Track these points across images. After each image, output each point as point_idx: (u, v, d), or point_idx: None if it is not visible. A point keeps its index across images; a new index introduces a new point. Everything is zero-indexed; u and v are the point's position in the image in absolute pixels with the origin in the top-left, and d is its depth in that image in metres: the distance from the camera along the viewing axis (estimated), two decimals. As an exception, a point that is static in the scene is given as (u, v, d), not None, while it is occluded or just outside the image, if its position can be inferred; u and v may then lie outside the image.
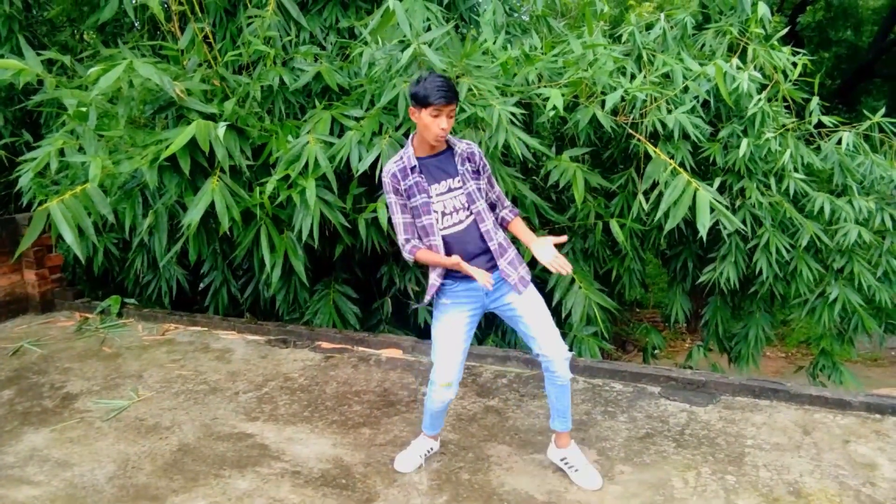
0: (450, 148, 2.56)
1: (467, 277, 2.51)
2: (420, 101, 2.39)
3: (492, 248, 2.56)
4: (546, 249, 2.52)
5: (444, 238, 2.54)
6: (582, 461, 2.70)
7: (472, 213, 2.54)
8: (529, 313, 2.57)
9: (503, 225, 2.74)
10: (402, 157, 2.53)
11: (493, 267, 2.57)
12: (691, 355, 5.41)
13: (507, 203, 2.74)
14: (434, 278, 2.59)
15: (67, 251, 5.19)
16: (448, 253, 2.53)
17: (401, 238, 2.59)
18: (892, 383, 7.60)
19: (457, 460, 2.89)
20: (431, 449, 2.87)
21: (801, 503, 2.54)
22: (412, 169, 2.50)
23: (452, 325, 2.60)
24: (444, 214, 2.53)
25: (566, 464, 2.71)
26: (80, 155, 3.96)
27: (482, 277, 2.39)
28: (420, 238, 2.57)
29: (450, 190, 2.52)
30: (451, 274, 2.57)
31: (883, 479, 2.69)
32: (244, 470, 2.85)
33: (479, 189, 2.56)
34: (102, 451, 3.02)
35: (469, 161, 2.56)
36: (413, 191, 2.51)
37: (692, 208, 3.65)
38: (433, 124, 2.39)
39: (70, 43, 6.26)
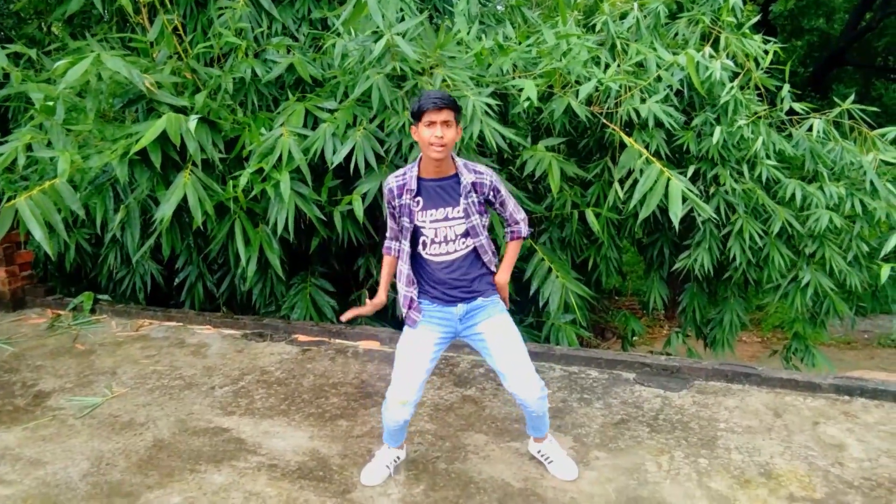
0: (457, 175, 2.44)
1: (443, 301, 2.49)
2: (415, 114, 2.33)
3: (485, 260, 2.53)
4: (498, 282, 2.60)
5: (430, 263, 2.49)
6: (558, 453, 2.71)
7: (468, 247, 2.48)
8: (501, 348, 2.49)
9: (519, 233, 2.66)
10: (404, 174, 2.45)
11: (470, 297, 2.50)
12: (669, 342, 5.47)
13: (516, 222, 2.61)
14: (403, 289, 2.55)
15: (38, 248, 5.11)
16: (435, 277, 2.49)
17: (386, 236, 2.62)
18: (865, 366, 7.75)
19: (434, 450, 2.90)
20: (398, 458, 2.75)
21: (772, 484, 2.58)
22: (409, 191, 2.43)
23: (419, 345, 2.52)
24: (433, 242, 2.46)
25: (542, 456, 2.72)
26: (49, 150, 3.90)
27: (368, 307, 2.60)
28: (400, 241, 2.56)
29: (447, 218, 2.43)
30: (425, 292, 2.53)
31: (851, 459, 2.74)
32: (220, 464, 2.84)
33: (482, 224, 2.48)
34: (76, 449, 2.99)
35: (476, 192, 2.44)
36: (403, 211, 2.45)
37: (666, 197, 3.68)
38: (429, 135, 2.30)
39: (37, 36, 6.14)
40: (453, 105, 2.33)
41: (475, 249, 2.50)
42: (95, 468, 2.83)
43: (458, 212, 2.44)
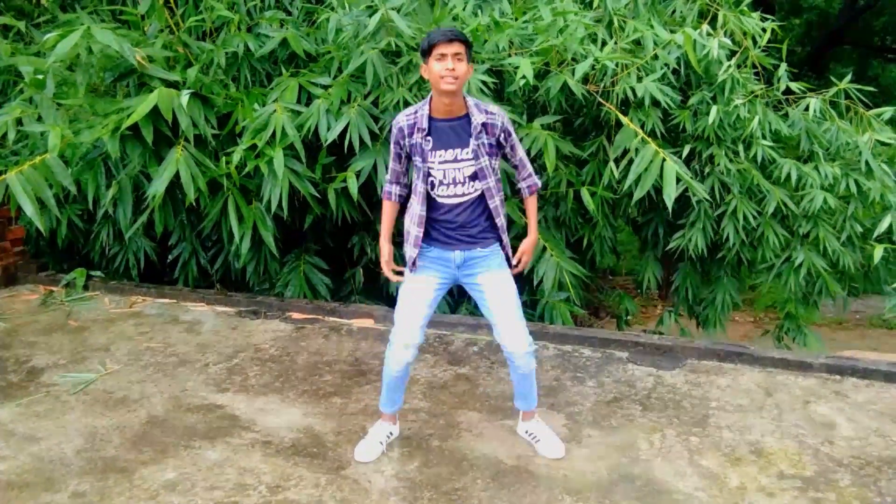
0: (468, 115, 2.40)
1: (442, 244, 2.50)
2: (425, 51, 2.30)
3: (498, 225, 2.52)
4: (524, 247, 2.62)
5: (439, 203, 2.48)
6: (545, 432, 2.70)
7: (476, 191, 2.45)
8: (496, 300, 2.52)
9: (520, 195, 2.65)
10: (415, 113, 2.42)
11: (469, 245, 2.50)
12: (662, 321, 5.49)
13: (528, 172, 2.59)
14: (410, 250, 2.54)
15: (30, 223, 5.07)
16: (437, 218, 2.48)
17: (386, 179, 2.62)
18: (857, 346, 7.80)
19: (427, 427, 2.91)
20: (391, 434, 2.77)
21: (762, 462, 2.61)
22: (420, 130, 2.40)
23: (420, 289, 2.56)
24: (441, 183, 2.44)
25: (530, 435, 2.72)
26: (39, 124, 3.85)
27: (387, 271, 2.59)
28: (401, 185, 2.58)
29: (456, 160, 2.41)
30: (426, 238, 2.52)
31: (841, 438, 2.77)
32: (214, 441, 2.85)
33: (491, 167, 2.44)
34: (70, 425, 2.99)
35: (487, 133, 2.41)
36: (415, 150, 2.43)
37: (660, 178, 3.67)
38: (440, 68, 2.27)
39: (26, 8, 6.02)
40: (464, 39, 2.31)
41: (483, 196, 2.47)
42: (90, 444, 2.83)
43: (468, 153, 2.41)
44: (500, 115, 2.43)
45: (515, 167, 2.59)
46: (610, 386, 3.26)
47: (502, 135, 2.44)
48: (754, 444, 2.73)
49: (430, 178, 2.45)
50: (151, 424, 2.99)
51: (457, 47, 2.27)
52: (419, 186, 2.48)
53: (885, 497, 2.39)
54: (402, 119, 2.44)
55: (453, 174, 2.42)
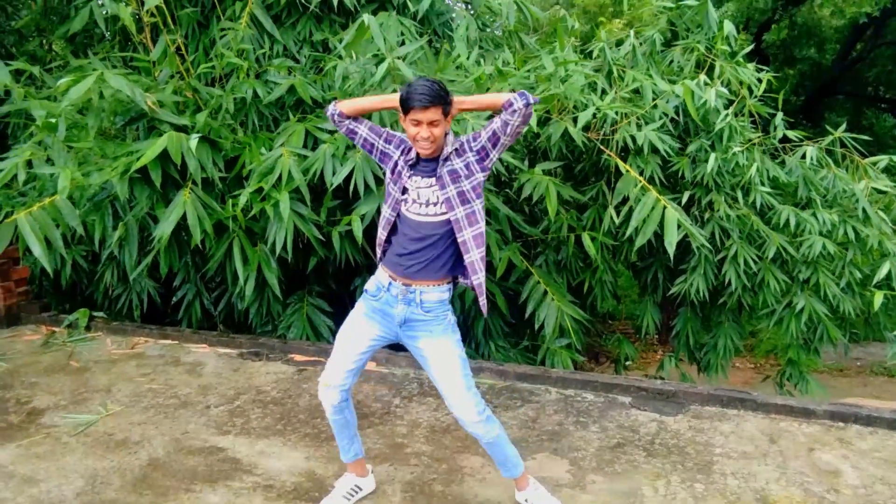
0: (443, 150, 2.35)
1: (389, 298, 2.40)
2: (403, 106, 2.25)
3: (466, 262, 2.36)
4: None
5: (404, 220, 2.40)
6: (546, 499, 2.57)
7: (445, 215, 2.34)
8: (441, 371, 2.40)
9: (505, 107, 2.29)
10: (411, 148, 2.40)
11: (417, 275, 2.37)
12: (662, 366, 5.48)
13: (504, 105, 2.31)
14: (379, 252, 2.50)
15: (34, 263, 5.10)
16: (398, 237, 2.41)
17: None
18: (858, 393, 7.77)
19: (430, 472, 2.89)
20: (357, 487, 2.67)
21: (768, 510, 2.59)
22: (408, 160, 2.38)
23: (357, 333, 2.48)
24: (414, 202, 2.37)
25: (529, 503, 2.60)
26: (49, 166, 3.92)
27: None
28: (358, 121, 2.50)
29: (429, 186, 2.35)
30: (376, 285, 2.46)
31: (846, 486, 2.75)
32: (215, 484, 2.82)
33: (461, 196, 2.32)
34: (70, 467, 2.97)
35: (459, 156, 2.33)
36: (394, 169, 2.40)
37: (661, 225, 3.73)
38: (414, 133, 2.24)
39: (39, 53, 6.19)
40: (441, 100, 2.21)
41: (451, 230, 2.34)
42: (90, 487, 2.81)
43: (434, 181, 2.34)
44: (462, 136, 2.40)
45: (496, 128, 2.31)
46: (613, 431, 3.25)
47: (469, 144, 2.35)
48: (759, 491, 2.71)
49: (405, 195, 2.38)
50: (152, 467, 2.96)
51: (432, 114, 2.20)
52: (386, 213, 2.44)
53: (892, 546, 2.37)
54: (407, 140, 2.43)
55: (427, 196, 2.36)
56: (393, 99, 2.41)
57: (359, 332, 2.48)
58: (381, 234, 2.49)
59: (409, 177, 2.37)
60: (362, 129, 2.50)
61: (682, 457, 2.99)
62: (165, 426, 3.36)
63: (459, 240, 2.35)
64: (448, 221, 2.34)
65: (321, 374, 2.52)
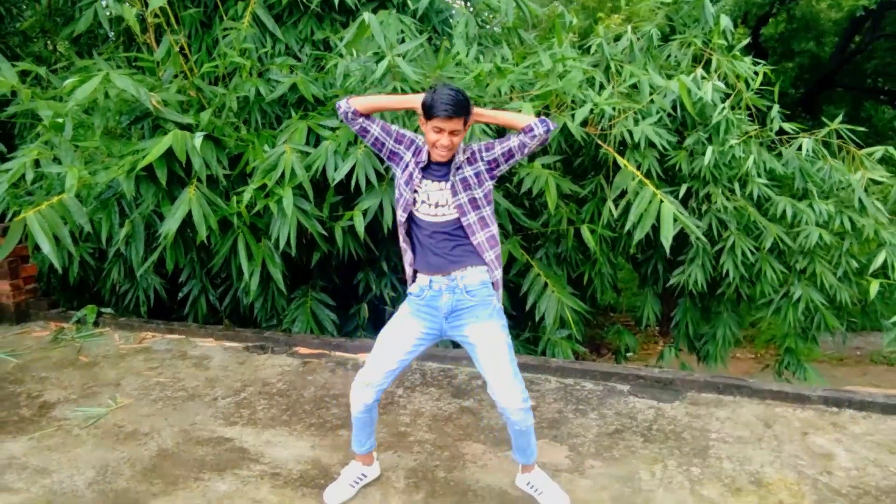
0: (454, 157, 2.42)
1: (433, 294, 2.46)
2: (426, 111, 2.30)
3: (486, 261, 2.46)
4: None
5: (420, 223, 2.45)
6: (546, 483, 2.62)
7: (455, 216, 2.42)
8: (487, 355, 2.42)
9: (525, 130, 2.41)
10: (423, 147, 2.45)
11: (454, 261, 2.43)
12: (662, 356, 5.55)
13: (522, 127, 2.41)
14: (408, 269, 2.57)
15: (42, 261, 5.18)
16: (419, 241, 2.47)
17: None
18: (857, 382, 7.83)
19: (433, 459, 2.97)
20: (363, 476, 2.73)
21: (762, 492, 2.66)
22: (419, 162, 2.43)
23: (401, 333, 2.53)
24: (424, 203, 2.43)
25: (531, 487, 2.65)
26: (56, 165, 3.99)
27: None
28: (371, 119, 2.52)
29: (440, 190, 2.42)
30: (416, 261, 2.51)
31: (839, 469, 2.82)
32: (224, 473, 2.90)
33: (472, 203, 2.41)
34: (81, 458, 3.05)
35: (470, 165, 2.41)
36: (406, 171, 2.45)
37: (658, 219, 3.79)
38: (435, 139, 2.31)
39: (44, 54, 6.26)
40: (465, 111, 2.30)
41: (471, 226, 2.43)
42: (101, 477, 2.89)
43: (447, 186, 2.41)
44: (473, 144, 2.47)
45: (512, 147, 2.42)
46: (611, 418, 3.32)
47: (481, 154, 2.43)
48: (754, 474, 2.78)
49: (415, 196, 2.44)
50: (162, 457, 3.04)
51: (455, 123, 2.27)
52: (399, 215, 2.50)
53: (882, 525, 2.43)
54: (419, 142, 2.49)
55: (436, 198, 2.43)
56: (411, 100, 2.48)
57: (404, 331, 2.53)
58: (403, 244, 2.54)
59: (421, 180, 2.44)
60: (374, 129, 2.51)
61: (678, 442, 3.06)
62: (174, 418, 3.43)
63: (474, 242, 2.45)
64: (458, 220, 2.43)
65: (358, 373, 2.56)
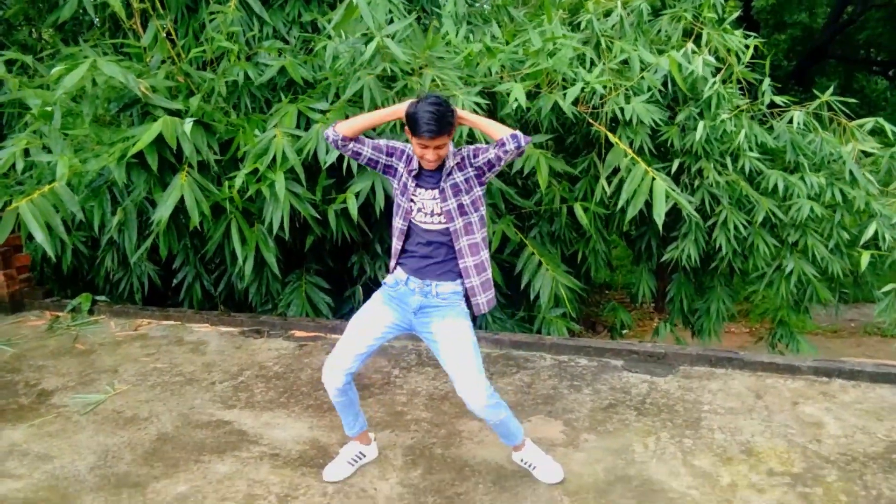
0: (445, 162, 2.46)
1: (406, 290, 2.52)
2: (410, 126, 2.33)
3: (461, 267, 2.51)
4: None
5: (415, 227, 2.52)
6: (540, 458, 2.66)
7: (445, 224, 2.48)
8: (451, 353, 2.46)
9: (498, 144, 2.42)
10: (414, 154, 2.47)
11: (429, 279, 2.50)
12: (657, 331, 5.60)
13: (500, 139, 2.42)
14: (392, 261, 2.62)
15: (35, 250, 5.18)
16: (410, 241, 2.54)
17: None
18: (851, 353, 7.89)
19: (430, 436, 3.00)
20: (361, 454, 2.78)
21: (753, 461, 2.70)
22: (411, 170, 2.47)
23: (373, 318, 2.58)
24: (420, 210, 2.50)
25: (525, 463, 2.69)
26: (46, 154, 3.98)
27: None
28: (359, 142, 2.52)
29: (433, 198, 2.47)
30: (402, 257, 2.57)
31: (828, 437, 2.87)
32: (223, 455, 2.93)
33: (461, 208, 2.46)
34: (82, 444, 3.08)
35: (460, 170, 2.45)
36: (400, 180, 2.51)
37: (651, 196, 3.81)
38: (421, 154, 2.36)
39: (29, 42, 6.20)
40: (449, 127, 2.33)
41: (457, 232, 2.47)
42: (102, 461, 2.92)
43: (437, 193, 2.46)
44: (462, 151, 2.49)
45: (490, 158, 2.44)
46: (606, 393, 3.36)
47: (470, 159, 2.46)
48: (745, 444, 2.83)
49: (411, 206, 2.51)
50: (162, 441, 3.07)
51: (439, 140, 2.32)
52: (396, 223, 2.56)
53: (870, 490, 2.48)
54: (409, 150, 2.52)
55: (431, 206, 2.49)
56: (396, 112, 2.51)
57: (375, 317, 2.58)
58: (396, 244, 2.59)
59: (415, 188, 2.50)
60: (366, 150, 2.55)
61: (671, 414, 3.10)
62: (172, 402, 3.46)
63: (456, 247, 2.50)
64: (448, 230, 2.49)
65: (328, 357, 2.60)
